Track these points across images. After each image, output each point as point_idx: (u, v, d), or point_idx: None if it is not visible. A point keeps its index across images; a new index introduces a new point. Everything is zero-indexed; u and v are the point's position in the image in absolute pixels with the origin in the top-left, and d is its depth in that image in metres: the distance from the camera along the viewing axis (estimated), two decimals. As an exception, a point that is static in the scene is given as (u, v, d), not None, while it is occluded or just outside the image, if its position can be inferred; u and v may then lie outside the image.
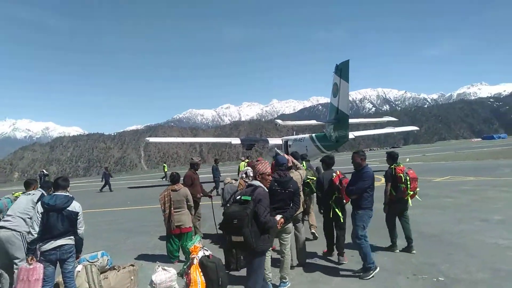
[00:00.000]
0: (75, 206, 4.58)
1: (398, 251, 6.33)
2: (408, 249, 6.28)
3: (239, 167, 19.44)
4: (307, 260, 6.11)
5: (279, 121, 23.62)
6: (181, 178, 7.13)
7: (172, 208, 6.55)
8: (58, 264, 4.54)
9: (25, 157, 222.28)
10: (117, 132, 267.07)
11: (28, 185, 5.73)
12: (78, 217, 4.60)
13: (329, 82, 20.06)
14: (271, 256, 5.74)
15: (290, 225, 5.30)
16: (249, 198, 3.99)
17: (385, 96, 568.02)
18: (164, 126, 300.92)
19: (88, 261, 5.14)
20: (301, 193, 5.82)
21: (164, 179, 28.53)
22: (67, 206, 4.49)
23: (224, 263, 5.40)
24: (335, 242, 6.36)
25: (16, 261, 4.98)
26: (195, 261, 4.96)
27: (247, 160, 19.80)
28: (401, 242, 6.41)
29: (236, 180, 7.79)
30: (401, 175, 6.22)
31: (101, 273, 5.19)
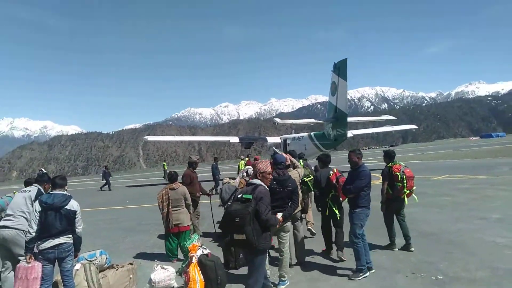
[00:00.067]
0: (73, 204, 4.56)
1: (397, 249, 6.34)
2: (406, 247, 6.29)
3: (238, 165, 19.46)
4: (306, 259, 6.11)
5: (277, 119, 23.65)
6: (180, 177, 7.12)
7: (170, 207, 6.54)
8: (56, 263, 4.53)
9: (23, 156, 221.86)
10: (115, 131, 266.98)
11: (28, 185, 5.71)
12: (76, 216, 4.59)
13: (327, 81, 20.06)
14: (270, 255, 5.75)
15: (289, 224, 5.31)
16: (250, 196, 4.01)
17: (384, 94, 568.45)
18: (163, 125, 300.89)
19: (86, 259, 5.13)
20: (299, 192, 5.82)
21: (165, 178, 28.52)
22: (65, 204, 4.47)
23: (223, 262, 5.41)
24: (333, 240, 6.38)
25: (21, 258, 4.98)
26: (194, 260, 4.95)
27: (247, 159, 19.82)
28: (400, 241, 6.42)
29: (233, 179, 7.80)
30: (398, 173, 6.22)
31: (99, 271, 5.18)
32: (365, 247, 5.44)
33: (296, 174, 5.95)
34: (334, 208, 6.16)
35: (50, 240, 4.38)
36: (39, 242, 4.37)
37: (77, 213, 4.59)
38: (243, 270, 5.71)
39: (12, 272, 5.07)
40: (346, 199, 5.78)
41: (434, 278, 4.99)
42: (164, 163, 33.91)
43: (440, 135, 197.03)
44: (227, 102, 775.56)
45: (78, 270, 4.92)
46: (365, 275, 5.20)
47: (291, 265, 5.63)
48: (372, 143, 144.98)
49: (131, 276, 5.37)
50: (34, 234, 4.33)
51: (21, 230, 4.99)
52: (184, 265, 5.21)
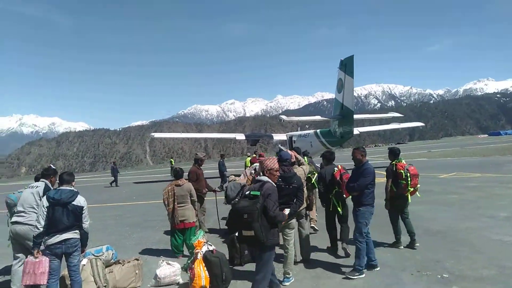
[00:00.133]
0: (80, 200, 4.61)
1: (402, 247, 6.31)
2: (411, 243, 6.27)
3: (245, 162, 19.48)
4: (311, 256, 6.11)
5: (283, 116, 23.62)
6: (185, 174, 7.14)
7: (176, 203, 6.58)
8: (63, 258, 4.59)
9: (31, 152, 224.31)
10: (122, 128, 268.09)
11: (37, 181, 5.78)
12: (83, 211, 4.63)
13: (334, 77, 19.95)
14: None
15: (294, 221, 5.33)
16: (258, 193, 4.05)
17: (391, 91, 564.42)
18: (169, 122, 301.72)
19: (93, 255, 5.19)
20: (305, 189, 5.83)
21: (171, 174, 28.60)
22: (72, 200, 4.52)
23: (228, 258, 5.43)
24: (338, 236, 6.43)
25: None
26: (199, 256, 4.98)
27: (253, 155, 19.82)
28: (406, 239, 6.38)
29: (238, 176, 7.82)
30: (402, 171, 6.18)
31: (106, 267, 5.24)
32: (369, 245, 5.42)
33: (301, 171, 5.95)
34: (337, 205, 6.20)
35: (58, 235, 4.43)
36: (46, 237, 4.42)
37: (84, 208, 4.64)
38: (248, 267, 5.73)
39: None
40: (350, 197, 5.77)
41: (440, 276, 4.96)
42: (171, 159, 34.05)
43: (447, 133, 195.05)
44: (233, 99, 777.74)
45: (84, 265, 4.98)
46: (361, 276, 5.14)
47: (295, 262, 5.64)
48: (378, 141, 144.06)
49: (137, 271, 5.41)
50: (41, 229, 4.39)
51: (33, 225, 5.08)
52: (189, 261, 5.24)
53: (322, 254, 6.31)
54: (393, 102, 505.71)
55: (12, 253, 5.44)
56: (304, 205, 5.89)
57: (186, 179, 7.05)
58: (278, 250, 6.04)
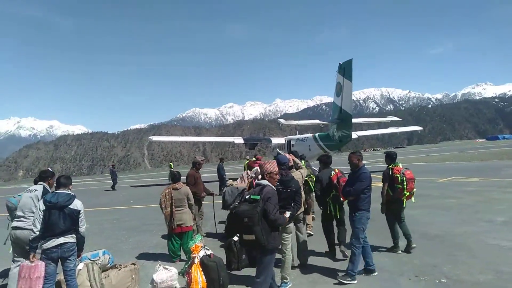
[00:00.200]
0: (76, 204, 4.59)
1: (400, 252, 6.30)
2: (408, 245, 6.28)
3: (244, 165, 19.44)
4: (308, 260, 6.09)
5: (282, 120, 23.59)
6: (183, 177, 7.13)
7: (173, 207, 6.55)
8: (59, 262, 4.56)
9: (29, 155, 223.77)
10: (120, 131, 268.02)
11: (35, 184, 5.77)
12: (80, 215, 4.61)
13: (332, 81, 19.99)
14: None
15: (291, 225, 5.31)
16: (258, 197, 4.08)
17: (389, 95, 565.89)
18: (168, 125, 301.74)
19: (89, 259, 5.15)
20: (302, 193, 5.84)
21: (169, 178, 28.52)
22: (68, 204, 4.50)
23: (225, 263, 5.41)
24: (335, 240, 6.45)
25: None
26: (196, 261, 4.96)
27: (253, 159, 19.77)
28: (403, 243, 6.37)
29: (235, 179, 7.82)
30: (398, 175, 6.19)
31: (102, 271, 5.20)
32: (367, 249, 5.41)
33: (299, 175, 5.94)
34: (333, 209, 6.29)
35: (54, 239, 4.40)
36: (42, 242, 4.39)
37: (80, 212, 4.62)
38: (246, 271, 5.71)
39: None
40: (346, 201, 5.77)
41: (437, 281, 4.94)
42: (170, 163, 34.00)
43: (446, 137, 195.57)
44: (232, 102, 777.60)
45: (81, 269, 4.94)
46: (353, 281, 5.10)
47: (293, 267, 5.61)
48: (377, 145, 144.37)
49: (133, 276, 5.38)
50: (38, 233, 4.36)
51: None
52: (186, 266, 5.22)
53: (319, 259, 6.29)
54: (391, 106, 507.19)
55: (9, 256, 5.41)
56: (302, 209, 5.88)
57: (184, 183, 7.03)
58: (275, 255, 6.04)
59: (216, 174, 18.26)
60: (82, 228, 4.68)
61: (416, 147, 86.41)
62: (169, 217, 6.57)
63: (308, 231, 7.58)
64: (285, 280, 5.07)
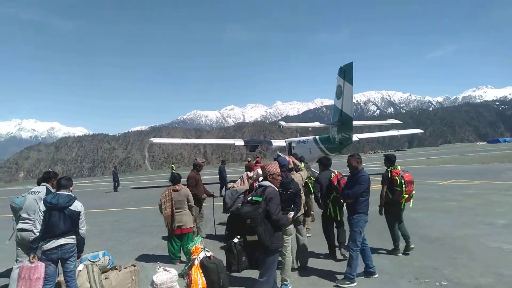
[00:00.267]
0: (77, 205, 4.60)
1: (400, 254, 6.29)
2: (407, 247, 6.28)
3: (245, 167, 19.41)
4: (308, 262, 6.08)
5: (282, 123, 23.58)
6: (184, 179, 7.13)
7: (173, 208, 6.55)
8: (59, 263, 4.56)
9: (30, 157, 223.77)
10: (121, 133, 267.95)
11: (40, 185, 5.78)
12: (80, 217, 4.62)
13: (333, 84, 20.01)
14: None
15: (291, 227, 5.31)
16: (260, 198, 4.12)
17: (390, 98, 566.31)
18: (168, 127, 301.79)
19: (89, 260, 5.15)
20: (302, 195, 5.84)
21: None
22: (69, 205, 4.50)
23: (225, 265, 5.40)
24: (336, 242, 6.47)
25: None
26: (196, 262, 4.97)
27: (255, 161, 19.76)
28: (403, 245, 6.36)
29: (234, 181, 7.83)
30: (396, 178, 6.19)
31: (102, 273, 5.19)
32: (367, 252, 5.40)
33: (299, 177, 5.95)
34: (333, 211, 6.31)
35: (54, 240, 4.41)
36: (42, 243, 4.40)
37: (81, 214, 4.63)
38: (246, 273, 5.70)
39: None
40: (345, 204, 5.78)
41: (438, 284, 4.94)
42: (172, 165, 34.05)
43: (446, 140, 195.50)
44: (233, 105, 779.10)
45: (81, 271, 4.94)
46: (352, 284, 5.08)
47: (293, 269, 5.61)
48: (378, 147, 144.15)
49: (133, 277, 5.37)
50: (38, 233, 4.37)
51: None
52: (186, 267, 5.22)
53: (319, 261, 6.29)
54: (392, 109, 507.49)
55: (12, 256, 5.42)
56: (302, 211, 5.88)
57: (184, 185, 7.04)
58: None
59: (218, 176, 18.29)
60: (82, 229, 4.69)
61: (416, 150, 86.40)
62: (169, 218, 6.57)
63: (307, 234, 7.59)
64: (285, 282, 5.07)
